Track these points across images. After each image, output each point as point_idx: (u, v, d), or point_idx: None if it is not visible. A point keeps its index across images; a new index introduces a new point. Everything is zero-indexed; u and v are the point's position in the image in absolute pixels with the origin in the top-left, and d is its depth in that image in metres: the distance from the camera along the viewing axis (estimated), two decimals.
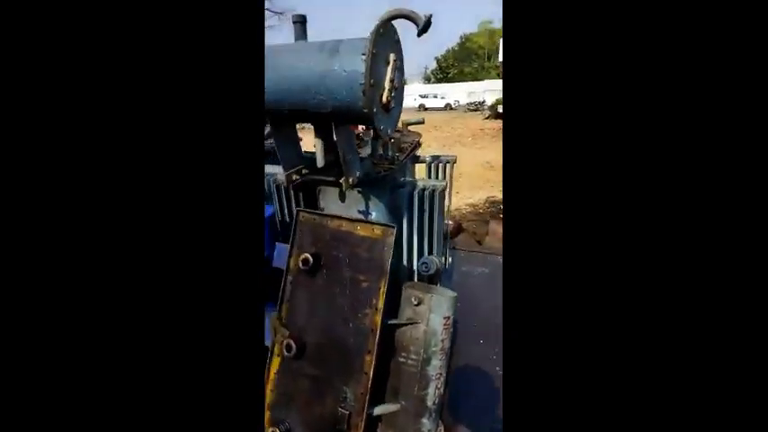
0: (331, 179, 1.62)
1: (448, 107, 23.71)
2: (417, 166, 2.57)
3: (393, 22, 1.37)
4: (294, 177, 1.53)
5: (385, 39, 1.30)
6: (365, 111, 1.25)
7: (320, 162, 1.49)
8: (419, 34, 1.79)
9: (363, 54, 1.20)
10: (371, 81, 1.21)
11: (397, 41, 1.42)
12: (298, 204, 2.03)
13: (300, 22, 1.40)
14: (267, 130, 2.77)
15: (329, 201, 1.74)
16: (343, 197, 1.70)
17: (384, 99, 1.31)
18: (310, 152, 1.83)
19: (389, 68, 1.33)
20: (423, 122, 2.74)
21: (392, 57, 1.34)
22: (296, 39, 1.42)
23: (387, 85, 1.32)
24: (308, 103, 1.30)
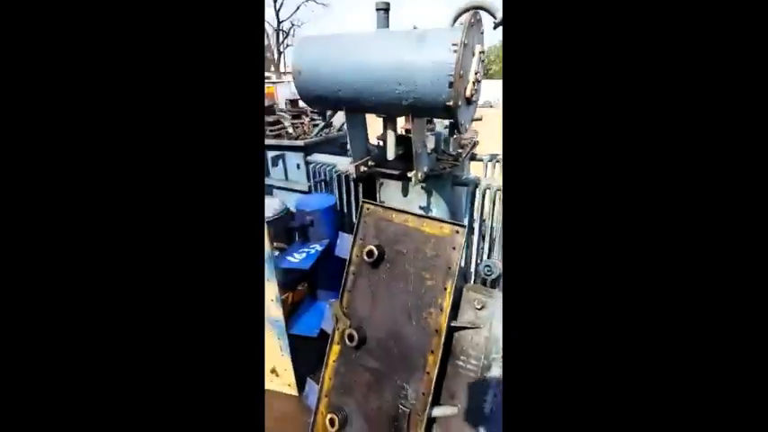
0: (396, 172, 1.60)
1: (488, 104, 22.96)
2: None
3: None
4: (362, 169, 1.52)
5: (473, 29, 1.25)
6: (449, 103, 1.20)
7: (391, 155, 1.46)
8: (495, 27, 1.70)
9: (454, 44, 1.15)
10: (460, 73, 1.16)
11: (482, 33, 1.35)
12: (357, 195, 2.03)
13: (384, 9, 1.37)
14: (328, 118, 2.79)
15: (390, 194, 1.72)
16: (405, 191, 1.67)
17: (468, 92, 1.26)
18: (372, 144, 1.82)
19: (475, 60, 1.27)
20: (481, 119, 2.65)
21: (478, 48, 1.28)
22: (378, 27, 1.39)
23: (471, 77, 1.26)
24: (387, 93, 1.27)
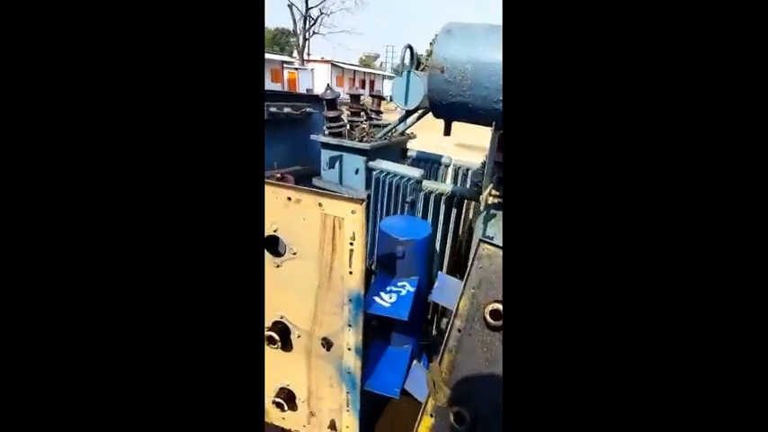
0: None
1: None
2: None
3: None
4: (490, 201, 1.20)
5: None
6: None
7: None
8: None
9: None
10: None
11: None
12: (447, 221, 1.71)
13: None
14: (400, 121, 2.44)
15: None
16: None
17: None
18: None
19: None
20: None
21: None
22: None
23: None
24: None
